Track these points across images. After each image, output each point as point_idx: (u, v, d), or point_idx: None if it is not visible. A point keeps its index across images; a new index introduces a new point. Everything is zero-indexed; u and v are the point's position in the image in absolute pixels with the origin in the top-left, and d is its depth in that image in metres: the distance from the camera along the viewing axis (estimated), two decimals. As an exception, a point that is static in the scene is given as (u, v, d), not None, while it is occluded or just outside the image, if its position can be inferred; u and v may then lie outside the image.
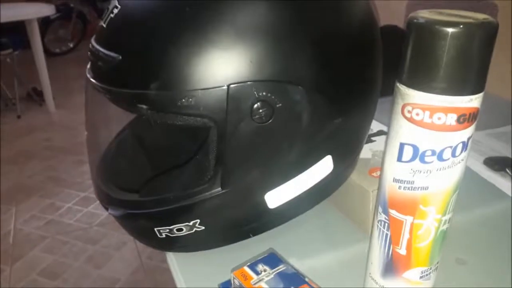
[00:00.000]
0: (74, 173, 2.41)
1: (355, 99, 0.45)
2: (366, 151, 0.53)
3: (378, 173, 0.49)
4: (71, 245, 1.87)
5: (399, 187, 0.35)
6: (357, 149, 0.49)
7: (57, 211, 2.08)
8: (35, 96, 3.31)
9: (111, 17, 0.41)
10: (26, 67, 3.29)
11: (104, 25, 0.42)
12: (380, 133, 0.58)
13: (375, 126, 0.59)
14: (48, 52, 3.52)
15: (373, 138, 0.56)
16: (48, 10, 3.11)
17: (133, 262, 1.77)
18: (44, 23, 3.78)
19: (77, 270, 1.73)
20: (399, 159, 0.35)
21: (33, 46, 3.07)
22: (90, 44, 0.43)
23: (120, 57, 0.39)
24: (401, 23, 0.94)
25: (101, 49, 0.41)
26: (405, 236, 0.36)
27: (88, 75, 0.43)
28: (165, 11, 0.39)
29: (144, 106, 0.39)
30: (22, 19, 2.95)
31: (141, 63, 0.39)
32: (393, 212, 0.36)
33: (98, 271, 1.73)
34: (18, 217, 2.04)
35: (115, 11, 0.41)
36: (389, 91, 0.54)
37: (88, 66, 0.44)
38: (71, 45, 4.64)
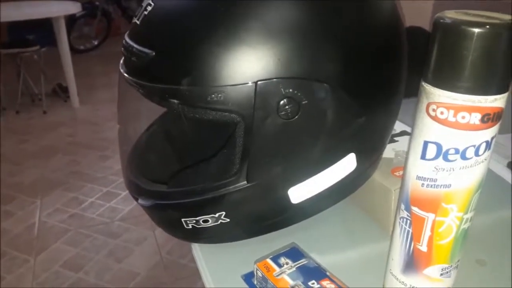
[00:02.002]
0: (97, 168, 2.46)
1: (380, 99, 0.46)
2: (389, 151, 0.53)
3: (401, 172, 0.50)
4: (93, 238, 1.91)
5: (422, 185, 0.36)
6: (381, 148, 0.50)
7: (80, 205, 2.13)
8: (61, 92, 3.38)
9: (145, 14, 0.43)
10: (52, 63, 3.36)
11: (138, 22, 0.43)
12: (403, 133, 0.58)
13: (398, 126, 0.59)
14: (73, 49, 3.58)
15: (396, 138, 0.57)
16: (74, 8, 3.17)
17: (153, 257, 1.80)
18: (70, 20, 3.86)
19: (98, 263, 1.77)
20: (423, 157, 0.35)
21: (59, 43, 3.14)
22: (124, 40, 0.45)
23: (154, 53, 0.41)
24: (426, 23, 0.93)
25: (135, 45, 0.42)
26: (427, 233, 0.37)
27: (121, 70, 0.45)
28: (197, 9, 0.40)
29: (175, 101, 0.40)
30: (50, 16, 3.01)
31: (174, 59, 0.40)
32: (415, 209, 0.37)
33: (119, 265, 1.76)
34: (43, 210, 2.10)
35: (149, 8, 0.43)
36: (413, 92, 0.54)
37: (121, 61, 0.46)
38: (96, 42, 4.72)
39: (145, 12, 0.43)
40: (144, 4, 0.44)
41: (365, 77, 0.43)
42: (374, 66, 0.44)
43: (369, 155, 0.48)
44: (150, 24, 0.42)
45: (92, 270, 1.74)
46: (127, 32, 0.45)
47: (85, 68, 3.99)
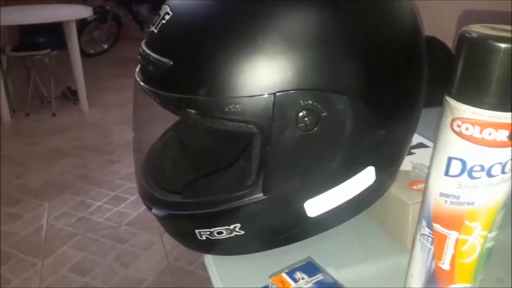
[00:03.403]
0: (104, 172, 2.46)
1: (400, 111, 0.45)
2: (406, 163, 0.52)
3: (419, 186, 0.49)
4: (100, 243, 1.91)
5: (445, 201, 0.35)
6: (399, 160, 0.49)
7: (88, 209, 2.13)
8: (70, 95, 3.40)
9: (163, 23, 0.42)
10: (62, 66, 3.39)
11: (156, 31, 0.43)
12: (420, 145, 0.57)
13: (415, 138, 0.58)
14: (83, 53, 3.61)
15: (413, 151, 0.56)
16: (86, 12, 3.20)
17: (160, 263, 1.80)
18: (81, 24, 3.88)
19: (105, 268, 1.77)
20: (446, 173, 0.34)
21: (70, 46, 3.15)
22: (141, 48, 0.44)
23: (171, 62, 0.40)
24: (449, 36, 0.92)
25: (152, 53, 0.42)
26: (449, 251, 0.36)
27: (138, 78, 0.45)
28: (216, 19, 0.40)
29: (192, 111, 0.40)
30: (61, 20, 3.03)
31: (191, 69, 0.40)
32: (437, 227, 0.36)
33: (126, 270, 1.76)
34: (50, 213, 2.10)
35: (167, 17, 0.42)
36: (430, 103, 0.54)
37: (137, 69, 0.45)
38: (106, 46, 4.75)
39: (163, 21, 0.42)
40: (161, 13, 0.43)
41: (385, 89, 0.43)
42: (394, 78, 0.43)
43: (388, 168, 0.47)
44: (168, 33, 0.42)
45: (99, 274, 1.74)
46: (144, 40, 0.45)
47: (95, 71, 4.01)
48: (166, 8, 0.43)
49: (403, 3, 0.46)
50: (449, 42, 0.89)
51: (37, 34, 3.38)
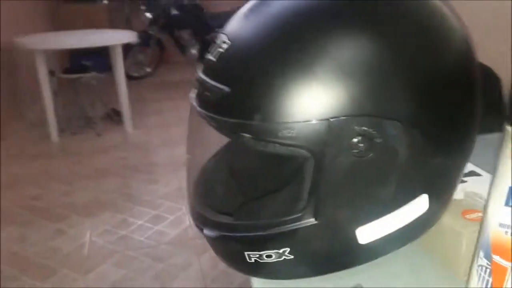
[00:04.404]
0: (146, 191, 2.51)
1: (454, 139, 0.45)
2: (458, 192, 0.51)
3: (472, 215, 0.48)
4: (140, 261, 1.93)
5: (506, 233, 0.34)
6: (452, 189, 0.49)
7: (129, 227, 2.17)
8: (114, 116, 3.51)
9: (221, 52, 0.44)
10: (107, 88, 3.51)
11: (214, 59, 0.45)
12: (472, 173, 0.56)
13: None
14: (127, 76, 3.72)
15: (465, 179, 0.55)
16: (130, 37, 3.32)
17: (197, 284, 1.80)
18: (125, 48, 4.02)
19: (143, 286, 1.78)
20: (507, 203, 0.34)
21: (115, 69, 3.27)
22: (198, 75, 0.46)
23: (229, 89, 0.42)
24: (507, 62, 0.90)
25: (210, 80, 0.44)
26: (509, 283, 0.35)
27: (194, 103, 0.46)
28: (272, 48, 0.41)
29: (247, 135, 0.41)
30: (108, 44, 3.16)
31: (248, 95, 0.41)
32: (496, 258, 0.35)
33: (164, 290, 1.77)
34: (93, 230, 2.15)
35: (225, 46, 0.44)
36: (482, 130, 0.53)
37: (194, 95, 0.47)
38: (149, 70, 4.90)
39: (221, 50, 0.44)
40: (218, 41, 0.45)
41: (439, 116, 0.43)
42: (448, 105, 0.43)
43: (441, 196, 0.47)
44: (226, 61, 0.44)
45: (138, 293, 1.75)
46: (202, 68, 0.47)
47: (138, 94, 4.13)
48: (223, 38, 0.45)
49: (457, 30, 0.46)
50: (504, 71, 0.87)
51: (85, 58, 3.53)
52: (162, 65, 4.97)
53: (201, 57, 4.56)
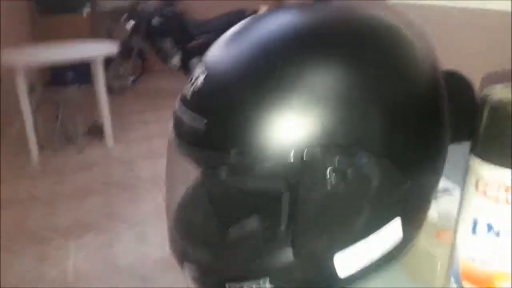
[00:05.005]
0: (129, 209, 2.47)
1: (425, 162, 0.46)
2: (432, 211, 0.52)
3: (445, 235, 0.48)
4: (125, 282, 1.89)
5: (473, 261, 0.35)
6: (426, 208, 0.50)
7: (113, 248, 2.13)
8: (95, 131, 3.46)
9: (198, 82, 0.44)
10: (88, 101, 3.46)
11: (191, 89, 0.45)
12: (444, 190, 0.55)
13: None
14: (108, 87, 3.69)
15: (438, 195, 0.54)
16: (112, 48, 3.29)
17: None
18: (106, 59, 4.01)
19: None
20: (473, 233, 0.34)
21: (96, 83, 3.24)
22: (176, 105, 0.46)
23: (205, 120, 0.42)
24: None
25: (187, 111, 0.44)
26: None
27: (172, 134, 0.46)
28: (247, 80, 0.42)
29: (223, 167, 0.42)
30: (89, 56, 3.13)
31: (225, 127, 0.42)
32: (466, 284, 0.35)
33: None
34: (77, 253, 2.10)
35: (202, 76, 0.44)
36: (453, 139, 0.52)
37: (172, 125, 0.47)
38: (131, 80, 4.87)
39: (198, 80, 0.44)
40: (197, 72, 0.46)
41: (409, 143, 0.44)
42: (419, 132, 0.44)
43: (415, 217, 0.48)
44: (203, 91, 0.44)
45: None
46: (179, 97, 0.47)
47: (120, 106, 4.09)
48: (202, 68, 0.45)
49: (424, 56, 0.47)
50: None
51: (67, 70, 3.49)
52: (145, 74, 4.95)
53: (183, 65, 4.58)
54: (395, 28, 0.47)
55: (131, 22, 4.46)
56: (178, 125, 0.45)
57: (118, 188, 2.71)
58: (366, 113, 0.41)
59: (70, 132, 3.41)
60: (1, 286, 1.86)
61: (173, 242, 0.52)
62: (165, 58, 4.70)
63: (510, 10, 1.03)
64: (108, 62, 4.23)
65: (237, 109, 0.41)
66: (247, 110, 0.41)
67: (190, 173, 0.54)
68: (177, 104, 0.46)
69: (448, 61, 0.52)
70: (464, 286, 0.36)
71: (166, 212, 0.55)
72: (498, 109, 0.32)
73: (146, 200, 2.54)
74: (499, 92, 0.33)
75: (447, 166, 0.50)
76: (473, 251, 0.35)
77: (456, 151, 0.53)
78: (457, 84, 0.87)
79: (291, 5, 0.51)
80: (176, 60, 4.62)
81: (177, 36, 4.58)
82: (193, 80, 0.45)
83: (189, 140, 0.44)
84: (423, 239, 0.49)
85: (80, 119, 3.45)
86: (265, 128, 0.40)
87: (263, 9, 4.42)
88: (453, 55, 1.12)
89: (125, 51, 4.43)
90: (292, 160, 0.39)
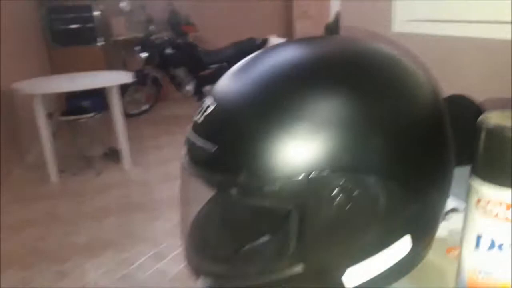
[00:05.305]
0: (146, 229, 2.52)
1: (430, 182, 0.48)
2: (443, 229, 0.54)
3: (456, 252, 0.50)
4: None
5: (479, 275, 0.37)
6: (435, 227, 0.51)
7: (131, 266, 2.17)
8: (113, 155, 3.54)
9: (208, 112, 0.48)
10: (106, 127, 3.56)
11: (202, 118, 0.48)
12: (453, 210, 0.59)
13: (449, 202, 0.58)
14: (125, 114, 3.77)
15: (447, 216, 0.58)
16: (126, 78, 3.37)
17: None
18: (122, 87, 4.09)
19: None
20: (477, 248, 0.37)
21: (112, 109, 3.32)
22: (188, 133, 0.50)
23: (216, 147, 0.45)
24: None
25: (198, 138, 0.48)
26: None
27: (184, 160, 0.50)
28: (255, 109, 0.45)
29: (234, 190, 0.45)
30: (105, 86, 3.22)
31: (234, 153, 0.45)
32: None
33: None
34: (95, 271, 2.14)
35: (212, 107, 0.48)
36: (460, 162, 0.55)
37: (184, 152, 0.51)
38: (146, 107, 4.96)
39: (208, 110, 0.48)
40: (206, 103, 0.49)
41: (414, 165, 0.46)
42: (422, 154, 0.47)
43: (423, 237, 0.50)
44: (212, 121, 0.47)
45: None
46: (191, 126, 0.50)
47: (136, 131, 4.18)
48: (211, 99, 0.49)
49: (426, 83, 0.50)
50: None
51: (82, 99, 3.58)
52: (160, 101, 5.04)
53: (197, 92, 4.66)
54: (396, 58, 0.50)
55: (145, 53, 4.57)
56: (191, 150, 0.49)
57: (135, 209, 2.76)
58: (369, 138, 0.43)
59: (88, 156, 3.49)
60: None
61: (188, 256, 0.55)
62: (179, 85, 4.80)
63: (510, 39, 1.07)
64: (124, 89, 4.34)
65: (244, 137, 0.44)
66: (254, 138, 0.43)
67: (202, 194, 0.57)
68: (189, 130, 0.50)
69: (449, 87, 0.54)
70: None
71: (180, 229, 0.58)
72: (496, 133, 0.34)
73: (163, 220, 2.58)
74: (496, 118, 0.35)
75: (456, 185, 0.51)
76: (477, 265, 0.37)
77: (465, 171, 0.54)
78: (463, 108, 0.90)
79: (301, 38, 0.54)
80: (189, 87, 4.72)
81: (190, 65, 4.68)
82: (203, 110, 0.49)
83: (201, 164, 0.47)
84: (434, 256, 0.51)
85: (97, 144, 3.54)
86: (273, 154, 0.42)
87: (272, 38, 4.53)
88: (454, 82, 1.16)
89: (140, 79, 4.53)
90: (298, 183, 0.42)
